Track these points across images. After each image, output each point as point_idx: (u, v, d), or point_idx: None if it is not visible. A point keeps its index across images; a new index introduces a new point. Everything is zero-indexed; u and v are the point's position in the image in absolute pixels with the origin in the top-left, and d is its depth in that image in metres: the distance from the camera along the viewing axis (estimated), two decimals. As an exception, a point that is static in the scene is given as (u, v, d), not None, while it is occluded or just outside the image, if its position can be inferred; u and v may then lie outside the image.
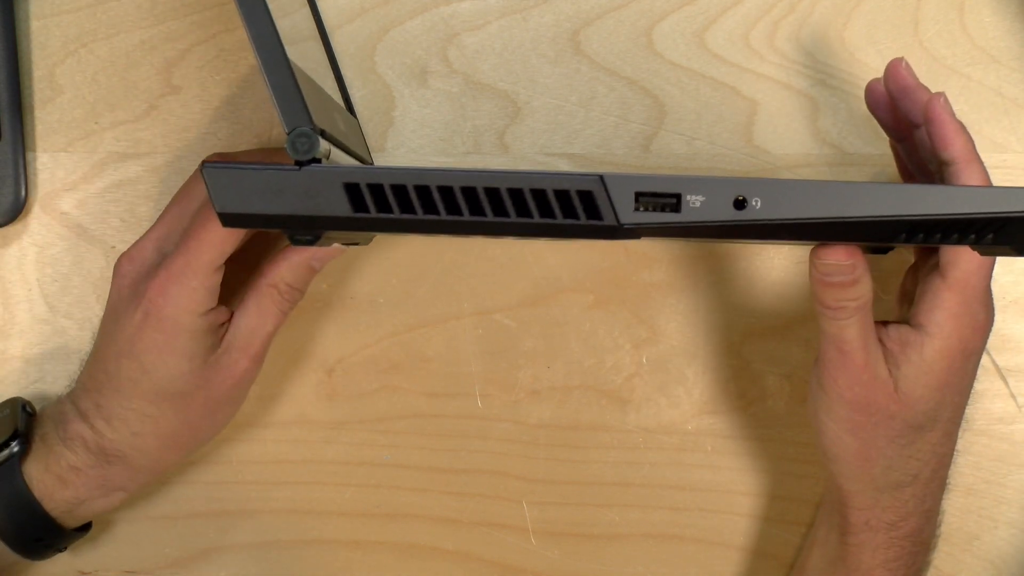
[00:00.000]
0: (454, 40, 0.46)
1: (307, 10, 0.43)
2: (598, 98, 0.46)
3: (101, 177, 0.46)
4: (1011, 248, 0.33)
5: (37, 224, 0.46)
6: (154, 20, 0.46)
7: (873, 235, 0.32)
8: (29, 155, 0.46)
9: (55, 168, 0.46)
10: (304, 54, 0.42)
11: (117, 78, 0.46)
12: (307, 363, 0.47)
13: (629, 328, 0.47)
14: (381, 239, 0.46)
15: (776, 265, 0.46)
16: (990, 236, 0.32)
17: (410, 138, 0.46)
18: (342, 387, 0.47)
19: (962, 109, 0.45)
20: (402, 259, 0.47)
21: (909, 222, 0.31)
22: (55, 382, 0.46)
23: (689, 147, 0.46)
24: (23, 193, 0.45)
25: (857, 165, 0.46)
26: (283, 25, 0.32)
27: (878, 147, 0.46)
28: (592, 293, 0.47)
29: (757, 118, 0.46)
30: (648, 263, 0.47)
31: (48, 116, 0.46)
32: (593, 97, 0.46)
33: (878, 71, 0.46)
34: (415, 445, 0.47)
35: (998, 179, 0.45)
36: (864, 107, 0.46)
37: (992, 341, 0.46)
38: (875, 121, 0.46)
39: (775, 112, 0.46)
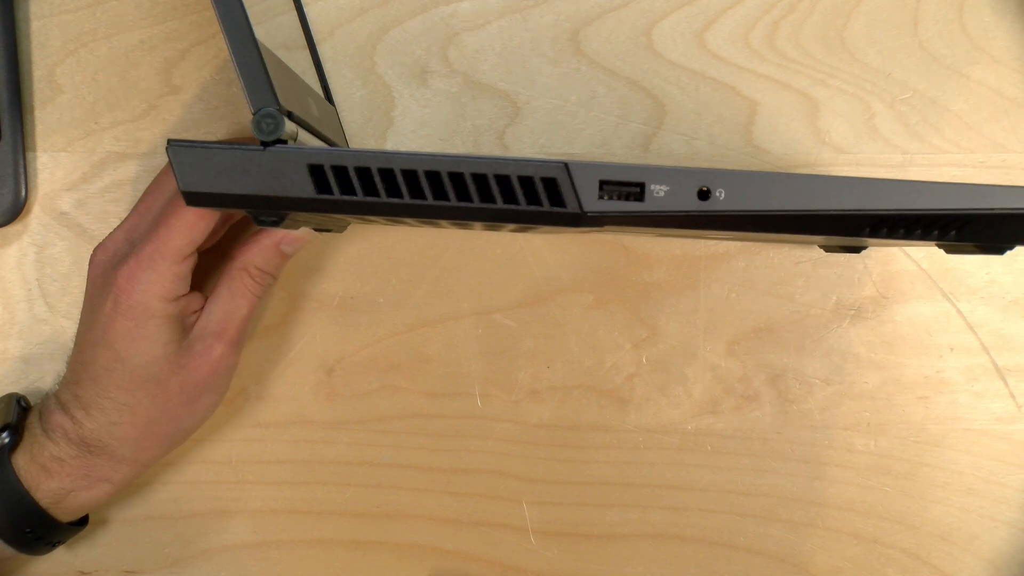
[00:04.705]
0: (454, 40, 0.46)
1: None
2: (598, 98, 0.46)
3: (101, 177, 0.46)
4: (974, 245, 0.33)
5: (37, 224, 0.46)
6: (154, 20, 0.46)
7: (837, 229, 0.32)
8: (29, 155, 0.46)
9: (55, 168, 0.46)
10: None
11: (117, 78, 0.46)
12: (307, 363, 0.47)
13: (629, 328, 0.47)
14: (382, 238, 0.46)
15: (775, 265, 0.46)
16: (954, 232, 0.32)
17: (410, 138, 0.46)
18: (342, 387, 0.47)
19: (962, 109, 0.46)
20: (402, 259, 0.47)
21: (873, 217, 0.31)
22: (55, 382, 0.46)
23: (689, 147, 0.46)
24: (23, 193, 0.45)
25: (857, 165, 0.46)
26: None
27: (878, 147, 0.46)
28: (592, 293, 0.47)
29: (757, 118, 0.46)
30: (648, 263, 0.47)
31: (48, 116, 0.46)
32: (593, 97, 0.46)
33: (878, 71, 0.46)
34: (415, 445, 0.47)
35: (998, 179, 0.46)
36: (863, 107, 0.46)
37: (992, 341, 0.46)
38: (875, 120, 0.46)
39: (775, 112, 0.46)
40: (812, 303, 0.46)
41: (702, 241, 0.47)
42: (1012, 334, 0.46)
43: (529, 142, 0.46)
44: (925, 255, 0.46)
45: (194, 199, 0.31)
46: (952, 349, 0.46)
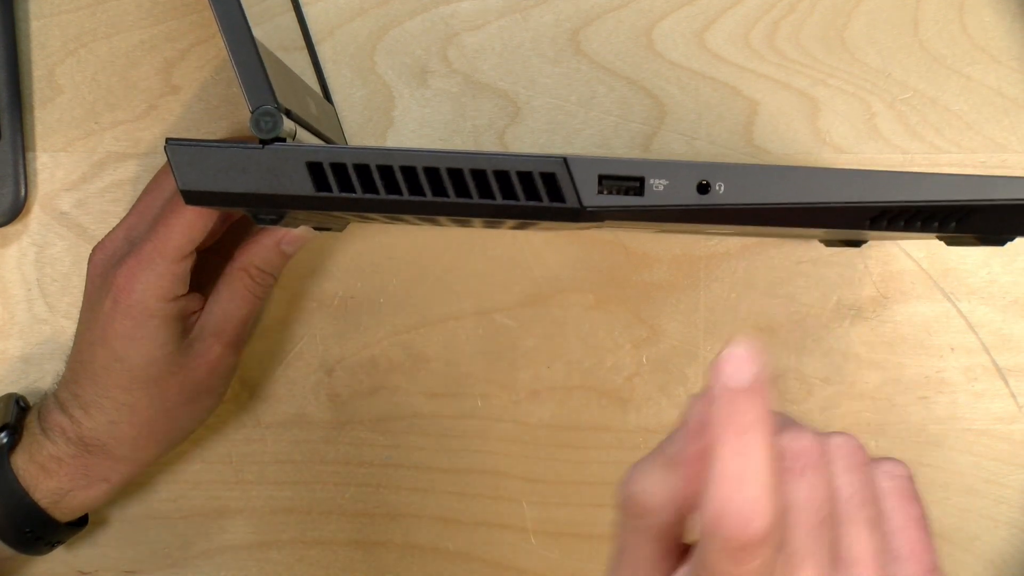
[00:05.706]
0: (454, 40, 0.46)
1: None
2: (598, 98, 0.46)
3: (101, 177, 0.46)
4: (975, 237, 0.33)
5: (37, 224, 0.46)
6: (154, 20, 0.46)
7: (837, 221, 0.32)
8: (29, 155, 0.46)
9: (55, 168, 0.46)
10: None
11: (117, 78, 0.46)
12: (307, 363, 0.47)
13: (629, 328, 0.47)
14: (382, 237, 0.46)
15: (776, 265, 0.46)
16: (954, 224, 0.32)
17: (410, 138, 0.46)
18: (342, 387, 0.47)
19: (962, 109, 0.46)
20: (402, 259, 0.47)
21: (873, 208, 0.31)
22: (54, 382, 0.46)
23: (689, 147, 0.46)
24: (23, 193, 0.45)
25: (857, 165, 0.46)
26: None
27: (878, 147, 0.46)
28: (592, 293, 0.47)
29: (757, 118, 0.46)
30: (648, 263, 0.47)
31: (48, 116, 0.46)
32: (593, 97, 0.46)
33: (878, 71, 0.46)
34: (415, 445, 0.47)
35: (998, 179, 0.46)
36: (864, 107, 0.46)
37: (992, 341, 0.46)
38: (875, 120, 0.46)
39: (775, 112, 0.46)
40: (812, 303, 0.46)
41: (702, 241, 0.47)
42: (1012, 334, 0.46)
43: (529, 142, 0.46)
44: (925, 255, 0.46)
45: (193, 198, 0.31)
46: (952, 349, 0.46)
